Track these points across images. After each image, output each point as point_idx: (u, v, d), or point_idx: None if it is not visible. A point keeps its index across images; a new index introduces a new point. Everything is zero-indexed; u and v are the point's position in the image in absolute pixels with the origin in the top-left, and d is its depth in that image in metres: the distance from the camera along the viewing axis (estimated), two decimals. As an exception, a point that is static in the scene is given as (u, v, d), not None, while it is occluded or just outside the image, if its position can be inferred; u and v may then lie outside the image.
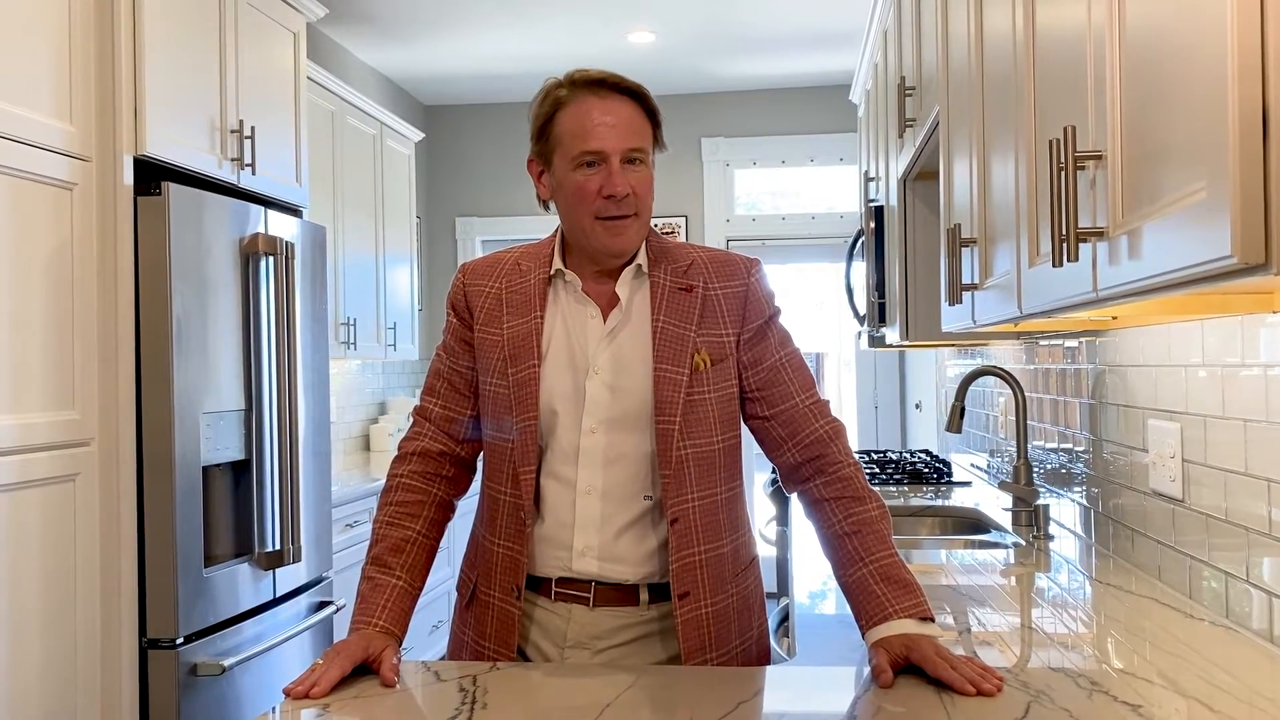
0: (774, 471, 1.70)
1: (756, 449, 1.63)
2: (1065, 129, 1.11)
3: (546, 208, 1.57)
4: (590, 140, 1.46)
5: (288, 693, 1.31)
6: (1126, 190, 1.05)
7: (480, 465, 1.63)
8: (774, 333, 1.57)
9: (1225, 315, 1.57)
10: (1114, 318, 1.87)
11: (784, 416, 1.54)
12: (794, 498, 1.62)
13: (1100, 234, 1.10)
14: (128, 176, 2.56)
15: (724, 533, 1.54)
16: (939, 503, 3.00)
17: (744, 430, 1.59)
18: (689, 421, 1.50)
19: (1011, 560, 2.19)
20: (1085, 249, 1.14)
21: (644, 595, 1.52)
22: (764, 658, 1.61)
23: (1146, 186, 1.00)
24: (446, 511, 1.61)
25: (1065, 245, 1.10)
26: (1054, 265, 1.12)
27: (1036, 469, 2.74)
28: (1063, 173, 1.11)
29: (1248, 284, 0.90)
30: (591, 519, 1.50)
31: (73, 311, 2.46)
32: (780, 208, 6.15)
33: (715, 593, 1.51)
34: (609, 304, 1.54)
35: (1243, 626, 1.55)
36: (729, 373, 1.53)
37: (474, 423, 1.60)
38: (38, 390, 2.36)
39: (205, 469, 2.70)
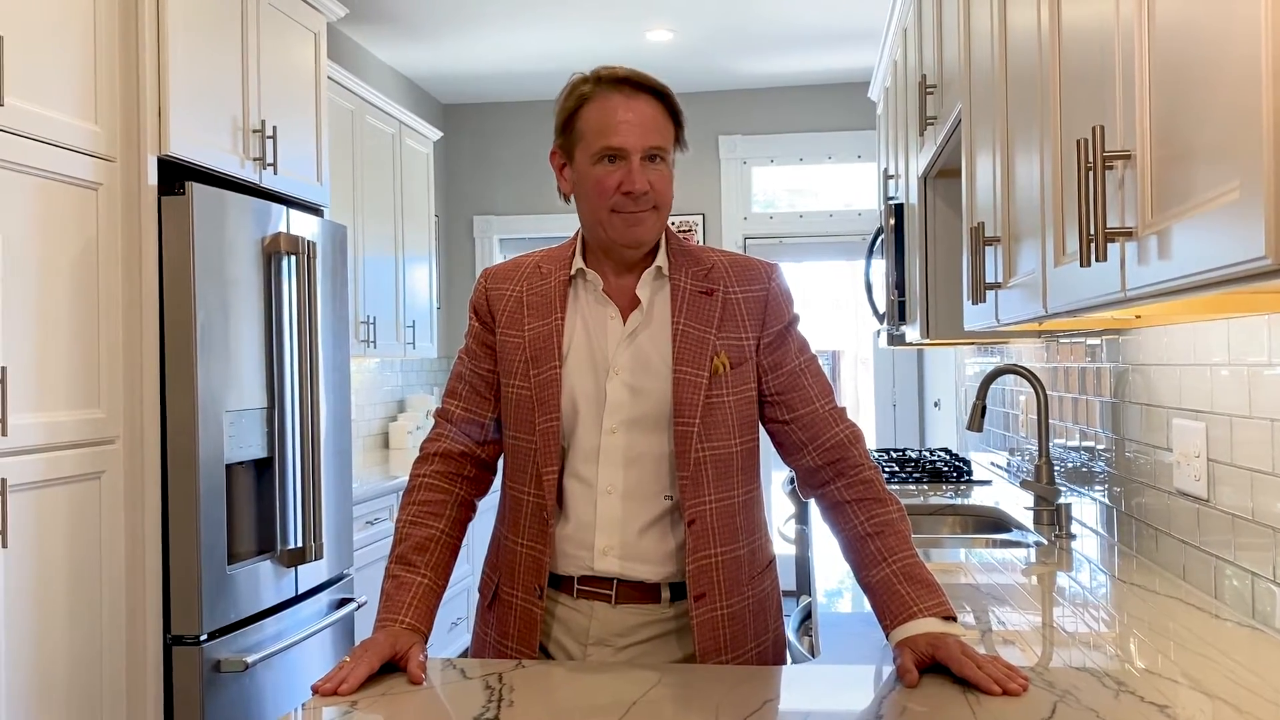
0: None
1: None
2: (1094, 128, 1.11)
3: (567, 200, 1.58)
4: (612, 136, 1.47)
5: (316, 689, 1.32)
6: (1156, 190, 1.04)
7: (501, 467, 1.64)
8: (793, 338, 1.58)
9: (1252, 314, 1.56)
10: (1137, 316, 1.86)
11: (805, 420, 1.55)
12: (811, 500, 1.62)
13: (1129, 234, 1.09)
14: (152, 176, 2.58)
15: (741, 535, 1.54)
16: (959, 501, 3.00)
17: (763, 434, 1.59)
18: (707, 424, 1.50)
19: (1033, 559, 2.19)
20: (1113, 249, 1.13)
21: (665, 593, 1.53)
22: (780, 661, 1.61)
23: (1176, 186, 0.99)
24: (468, 511, 1.61)
25: (1093, 245, 1.10)
26: (1081, 265, 1.12)
27: (1058, 467, 2.73)
28: (1090, 172, 1.11)
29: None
30: (613, 518, 1.51)
31: (98, 311, 2.48)
32: (797, 205, 6.14)
33: (731, 595, 1.52)
34: (629, 305, 1.55)
35: (1268, 626, 1.54)
36: (748, 376, 1.54)
37: (495, 425, 1.61)
38: (63, 389, 2.38)
39: (228, 467, 2.72)
